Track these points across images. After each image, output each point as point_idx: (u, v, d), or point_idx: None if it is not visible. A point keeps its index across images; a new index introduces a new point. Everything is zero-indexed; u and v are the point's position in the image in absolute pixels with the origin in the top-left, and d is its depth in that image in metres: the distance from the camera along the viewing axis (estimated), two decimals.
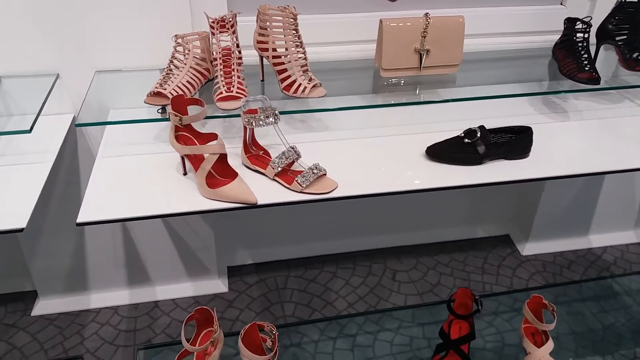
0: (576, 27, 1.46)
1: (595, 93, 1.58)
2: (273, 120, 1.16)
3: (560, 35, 1.52)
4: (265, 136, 1.32)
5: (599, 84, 1.37)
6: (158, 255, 1.80)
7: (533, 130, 1.31)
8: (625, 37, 1.43)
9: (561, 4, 1.61)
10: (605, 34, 1.43)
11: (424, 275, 1.98)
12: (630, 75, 1.53)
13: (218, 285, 1.89)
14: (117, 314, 1.80)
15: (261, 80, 1.39)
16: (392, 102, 1.40)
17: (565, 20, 1.47)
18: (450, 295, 1.60)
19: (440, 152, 1.27)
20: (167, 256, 1.80)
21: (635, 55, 1.43)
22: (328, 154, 1.30)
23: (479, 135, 1.26)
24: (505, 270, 2.00)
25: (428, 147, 1.28)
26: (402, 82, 1.45)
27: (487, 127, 1.31)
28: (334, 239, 2.04)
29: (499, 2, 1.58)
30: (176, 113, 1.07)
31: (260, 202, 1.12)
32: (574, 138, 1.39)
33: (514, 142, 1.28)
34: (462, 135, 1.28)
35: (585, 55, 1.42)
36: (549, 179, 1.26)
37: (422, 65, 1.39)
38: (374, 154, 1.31)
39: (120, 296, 1.84)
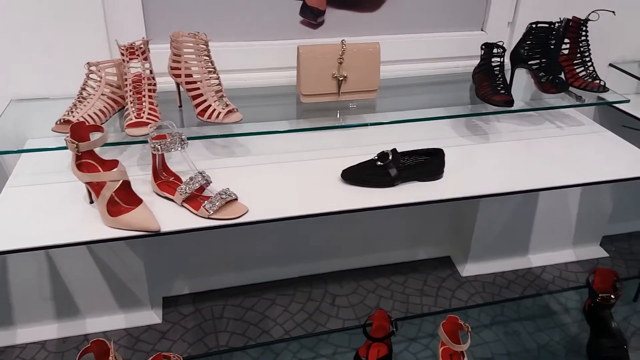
0: (493, 52, 1.51)
1: (516, 115, 1.63)
2: (180, 146, 1.16)
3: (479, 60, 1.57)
4: (182, 162, 1.31)
5: (512, 106, 1.40)
6: (86, 286, 1.75)
7: (453, 151, 1.34)
8: (537, 60, 1.47)
9: (482, 29, 1.66)
10: (518, 59, 1.48)
11: (364, 299, 1.96)
12: (553, 97, 1.58)
13: (151, 316, 1.84)
14: (44, 349, 1.73)
15: (179, 107, 1.39)
16: (313, 127, 1.41)
17: (482, 45, 1.52)
18: (367, 318, 1.59)
19: (354, 175, 1.28)
20: (96, 287, 1.75)
21: (548, 77, 1.48)
22: (247, 179, 1.30)
23: (390, 158, 1.27)
24: (444, 292, 2.00)
25: (343, 171, 1.29)
26: (322, 107, 1.46)
27: (405, 149, 1.34)
28: (274, 266, 2.02)
29: (422, 28, 1.62)
30: (73, 140, 1.05)
31: (165, 229, 1.10)
32: (491, 159, 1.42)
33: (426, 164, 1.29)
34: (376, 158, 1.30)
35: (501, 79, 1.46)
36: (458, 200, 1.27)
37: (340, 91, 1.42)
38: (292, 178, 1.31)
39: (47, 330, 1.77)
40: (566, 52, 1.58)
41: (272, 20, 1.50)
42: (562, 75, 1.54)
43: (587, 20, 1.50)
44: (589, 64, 1.53)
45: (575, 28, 1.52)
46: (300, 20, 1.52)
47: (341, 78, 1.39)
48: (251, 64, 1.53)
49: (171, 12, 1.43)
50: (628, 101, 1.50)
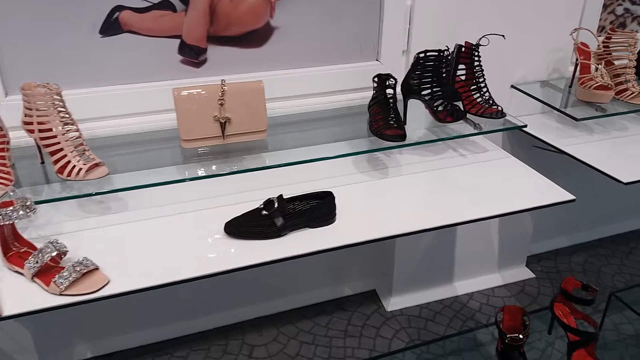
0: (386, 83, 1.45)
1: (420, 146, 1.57)
2: (24, 213, 1.02)
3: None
4: (47, 224, 1.18)
5: (404, 140, 1.34)
6: None
7: (353, 189, 1.26)
8: (428, 90, 1.42)
9: (377, 60, 1.60)
10: (409, 89, 1.42)
11: (284, 347, 1.84)
12: (458, 125, 1.53)
13: None
14: None
15: (41, 163, 1.24)
16: (194, 176, 1.30)
17: (374, 77, 1.46)
18: None
19: (238, 228, 1.17)
20: None
21: (444, 106, 1.43)
22: (117, 240, 1.16)
23: (276, 206, 1.17)
24: (369, 331, 1.91)
25: (227, 223, 1.18)
26: (208, 151, 1.35)
27: (296, 193, 1.25)
28: (185, 319, 1.87)
29: (315, 62, 1.55)
30: None
31: (8, 313, 0.96)
32: (393, 195, 1.34)
33: (315, 209, 1.20)
34: (261, 206, 1.20)
35: (393, 112, 1.40)
36: (350, 246, 1.19)
37: (225, 134, 1.32)
38: (172, 235, 1.19)
39: None
40: (464, 77, 1.55)
41: (149, 60, 1.39)
42: (460, 103, 1.51)
43: (478, 45, 1.47)
44: (484, 89, 1.49)
45: (467, 54, 1.49)
46: (180, 59, 1.42)
47: (223, 120, 1.30)
48: (129, 108, 1.40)
49: (32, 59, 1.30)
50: (525, 126, 1.46)
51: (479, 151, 1.57)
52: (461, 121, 1.48)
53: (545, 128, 1.72)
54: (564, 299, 1.36)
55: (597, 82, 1.56)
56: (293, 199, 1.22)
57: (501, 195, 1.35)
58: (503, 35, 1.49)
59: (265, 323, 1.93)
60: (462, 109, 1.49)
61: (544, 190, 1.37)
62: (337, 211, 1.24)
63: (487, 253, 2.11)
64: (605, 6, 1.80)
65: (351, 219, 1.25)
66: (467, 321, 1.96)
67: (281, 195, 1.19)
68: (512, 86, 1.75)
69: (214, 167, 1.32)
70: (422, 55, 1.39)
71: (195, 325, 1.89)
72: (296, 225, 1.18)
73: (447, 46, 1.38)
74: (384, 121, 1.38)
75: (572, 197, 1.31)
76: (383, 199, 1.34)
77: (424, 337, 1.88)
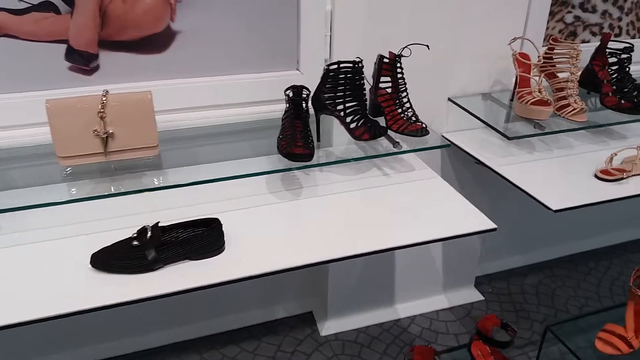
0: (300, 95, 1.32)
1: (342, 163, 1.44)
2: None
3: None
4: None
5: (311, 159, 1.21)
6: None
7: (257, 213, 1.14)
8: (341, 104, 1.29)
9: (297, 69, 1.48)
10: (320, 104, 1.29)
11: None
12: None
13: None
14: None
15: None
16: (71, 198, 1.16)
17: (285, 90, 1.33)
18: None
19: (104, 261, 1.04)
20: None
21: (360, 123, 1.30)
22: None
23: (148, 236, 1.05)
24: (298, 358, 1.78)
25: (93, 255, 1.04)
26: (89, 170, 1.20)
27: (178, 220, 1.12)
28: (96, 343, 1.73)
29: (226, 69, 1.42)
30: None
31: None
32: (301, 220, 1.21)
33: (198, 238, 1.07)
34: (134, 235, 1.07)
35: (302, 128, 1.27)
36: (232, 282, 1.06)
37: (107, 150, 1.18)
38: (30, 265, 1.05)
39: None
40: (390, 90, 1.43)
41: (32, 68, 1.25)
42: (384, 119, 1.38)
43: (399, 56, 1.34)
44: (407, 104, 1.37)
45: (390, 65, 1.36)
46: (68, 66, 1.29)
47: (104, 135, 1.16)
48: (9, 120, 1.26)
49: None
50: (448, 145, 1.34)
51: (405, 170, 1.44)
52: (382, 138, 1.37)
53: (484, 145, 1.60)
54: (480, 339, 1.23)
55: (534, 97, 1.43)
56: (173, 227, 1.09)
57: (419, 221, 1.22)
58: (427, 45, 1.37)
59: (188, 348, 1.80)
60: (384, 125, 1.37)
61: (465, 217, 1.24)
62: (232, 239, 1.11)
63: (431, 273, 1.98)
64: (552, 14, 1.67)
65: (245, 249, 1.11)
66: (405, 347, 1.83)
67: (157, 223, 1.06)
68: (449, 99, 1.63)
69: (91, 188, 1.19)
70: (333, 67, 1.26)
71: (107, 351, 1.76)
72: (174, 257, 1.05)
73: (359, 57, 1.25)
74: (291, 138, 1.25)
75: (493, 226, 1.19)
76: (289, 224, 1.20)
77: None
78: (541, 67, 1.56)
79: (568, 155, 1.55)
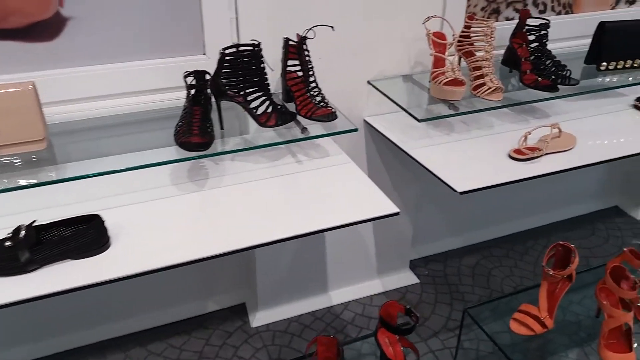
0: (202, 81, 1.26)
1: (256, 150, 1.40)
2: None
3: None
4: None
5: (207, 148, 1.16)
6: None
7: (158, 206, 1.09)
8: (244, 90, 1.24)
9: (204, 53, 1.41)
10: (218, 91, 1.23)
11: None
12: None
13: None
14: None
15: None
16: None
17: (184, 74, 1.26)
18: None
19: None
20: None
21: (268, 108, 1.25)
22: None
23: (22, 236, 0.98)
24: (226, 351, 1.74)
25: None
26: None
27: (59, 218, 1.05)
28: (16, 345, 1.66)
29: (126, 56, 1.33)
30: None
31: None
32: (203, 212, 1.17)
33: (77, 236, 1.01)
34: (8, 236, 1.00)
35: (200, 115, 1.21)
36: (115, 281, 1.02)
37: None
38: None
39: None
40: (301, 74, 1.38)
41: None
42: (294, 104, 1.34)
43: (304, 38, 1.29)
44: (315, 89, 1.32)
45: (296, 48, 1.31)
46: None
47: None
48: None
49: None
50: (356, 129, 1.30)
51: (319, 156, 1.40)
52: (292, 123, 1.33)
53: (404, 128, 1.56)
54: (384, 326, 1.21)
55: (447, 78, 1.40)
56: (51, 226, 1.03)
57: (326, 207, 1.19)
58: (332, 27, 1.32)
59: (112, 346, 1.74)
60: (293, 110, 1.33)
61: (371, 202, 1.21)
62: (122, 236, 1.06)
63: (364, 258, 1.96)
64: None
65: (134, 246, 1.06)
66: (338, 334, 1.82)
67: (32, 222, 1.00)
68: (369, 82, 1.59)
69: None
70: (230, 50, 1.21)
71: (25, 353, 1.69)
72: (52, 257, 0.99)
73: (255, 40, 1.20)
74: (187, 127, 1.19)
75: (395, 210, 1.16)
76: (191, 217, 1.15)
77: (285, 356, 1.73)
78: (458, 46, 1.53)
79: (487, 135, 1.52)
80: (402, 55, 1.62)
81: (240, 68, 1.22)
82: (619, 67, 1.65)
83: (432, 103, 1.52)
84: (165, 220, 1.14)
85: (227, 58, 1.20)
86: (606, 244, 2.31)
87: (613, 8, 1.89)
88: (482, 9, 1.69)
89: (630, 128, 1.58)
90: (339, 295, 1.95)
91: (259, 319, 1.85)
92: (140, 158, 1.21)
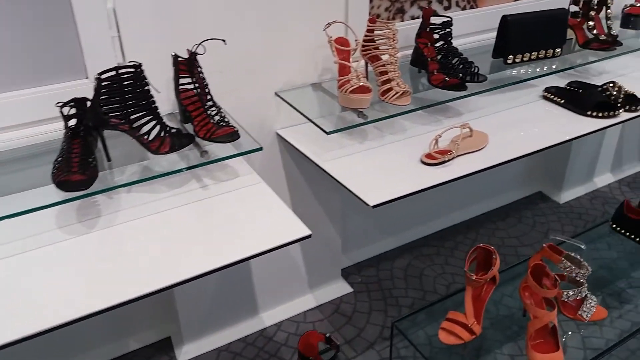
0: (79, 110, 1.14)
1: (160, 179, 1.28)
2: None
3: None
4: None
5: (89, 186, 1.04)
6: None
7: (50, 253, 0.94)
8: (128, 116, 1.12)
9: (87, 77, 1.28)
10: (99, 120, 1.10)
11: None
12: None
13: None
14: None
15: None
16: None
17: (57, 104, 1.13)
18: None
19: None
20: None
21: (154, 135, 1.14)
22: None
23: None
24: None
25: None
26: None
27: None
28: None
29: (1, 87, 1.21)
30: None
31: None
32: (92, 257, 1.03)
33: None
34: None
35: (79, 149, 1.09)
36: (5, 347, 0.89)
37: None
38: None
39: None
40: (198, 91, 1.28)
41: None
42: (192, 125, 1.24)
43: (194, 54, 1.20)
44: (212, 107, 1.23)
45: (187, 64, 1.21)
46: None
47: None
48: None
49: None
50: (260, 149, 1.22)
51: (228, 178, 1.31)
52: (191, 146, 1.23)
53: (317, 138, 1.48)
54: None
55: (352, 85, 1.35)
56: None
57: (234, 236, 1.10)
58: (224, 40, 1.23)
59: None
60: (192, 132, 1.23)
61: (282, 226, 1.13)
62: None
63: (293, 273, 1.88)
64: None
65: (12, 305, 0.93)
66: (270, 358, 1.74)
67: None
68: (276, 94, 1.51)
69: None
70: (109, 74, 1.09)
71: None
72: None
73: (135, 61, 1.09)
74: (65, 163, 1.06)
75: (307, 232, 1.09)
76: (70, 268, 1.02)
77: None
78: (363, 51, 1.48)
79: (400, 140, 1.48)
80: (308, 64, 1.55)
81: (122, 92, 1.10)
82: (525, 59, 1.66)
83: (343, 111, 1.47)
84: (53, 270, 1.01)
85: (104, 83, 1.08)
86: (533, 231, 2.35)
87: (516, 0, 1.91)
88: (387, 9, 1.64)
89: (540, 119, 1.59)
90: (270, 316, 1.87)
91: (186, 352, 1.73)
92: (17, 201, 1.07)
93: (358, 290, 2.01)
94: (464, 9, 1.81)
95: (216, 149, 1.28)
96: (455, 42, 1.69)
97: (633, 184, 2.68)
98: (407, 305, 1.94)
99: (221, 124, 1.22)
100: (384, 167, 1.36)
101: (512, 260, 2.18)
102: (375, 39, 1.46)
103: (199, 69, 1.21)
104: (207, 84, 1.23)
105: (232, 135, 1.20)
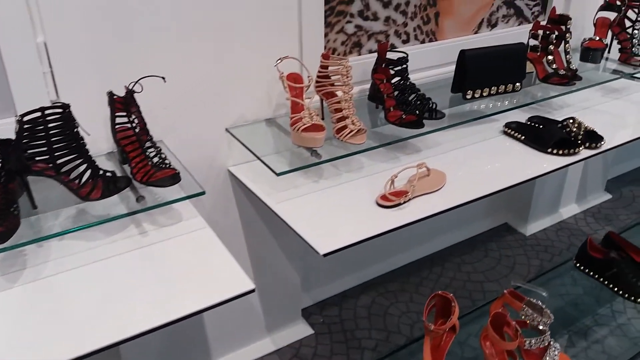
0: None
1: (92, 230, 1.19)
2: None
3: None
4: None
5: (9, 237, 0.93)
6: None
7: None
8: (52, 161, 1.02)
9: (16, 116, 1.18)
10: (22, 165, 1.01)
11: None
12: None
13: None
14: None
15: None
16: None
17: None
18: None
19: None
20: None
21: (84, 179, 1.06)
22: None
23: None
24: None
25: None
26: None
27: None
28: None
29: None
30: None
31: None
32: (24, 312, 0.95)
33: None
34: None
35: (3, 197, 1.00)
36: None
37: None
38: None
39: None
40: (137, 131, 1.20)
41: None
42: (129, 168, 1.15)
43: (131, 92, 1.12)
44: (151, 148, 1.15)
45: (122, 103, 1.14)
46: None
47: None
48: None
49: None
50: (203, 193, 1.14)
51: (170, 223, 1.21)
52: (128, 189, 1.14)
53: (270, 177, 1.38)
54: None
55: (304, 124, 1.29)
56: None
57: (172, 291, 1.01)
58: (163, 78, 1.16)
59: None
60: (130, 174, 1.14)
61: (225, 279, 1.04)
62: None
63: (249, 316, 1.78)
64: (331, 25, 1.55)
65: None
66: None
67: None
68: (227, 130, 1.44)
69: None
70: (32, 116, 1.01)
71: None
72: None
73: (60, 102, 1.01)
74: None
75: (251, 287, 1.01)
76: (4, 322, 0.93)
77: None
78: (318, 87, 1.42)
79: (357, 179, 1.42)
80: (262, 98, 1.49)
81: (48, 135, 1.01)
82: (484, 94, 1.63)
83: (299, 147, 1.40)
84: None
85: (27, 126, 0.99)
86: (499, 265, 2.31)
87: (476, 33, 1.89)
88: (343, 42, 1.60)
89: (500, 156, 1.55)
90: None
91: None
92: None
93: (319, 331, 1.92)
94: (422, 42, 1.78)
95: (161, 191, 1.20)
96: (414, 76, 1.66)
97: (598, 214, 2.68)
98: (370, 347, 1.86)
99: (161, 165, 1.14)
100: (339, 209, 1.29)
101: (478, 296, 2.13)
102: (330, 74, 1.41)
103: (137, 107, 1.14)
104: (146, 123, 1.15)
105: (172, 178, 1.12)
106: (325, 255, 1.09)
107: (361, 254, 2.11)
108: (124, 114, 1.14)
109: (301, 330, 1.90)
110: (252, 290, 1.01)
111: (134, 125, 1.13)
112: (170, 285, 1.03)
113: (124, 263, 1.09)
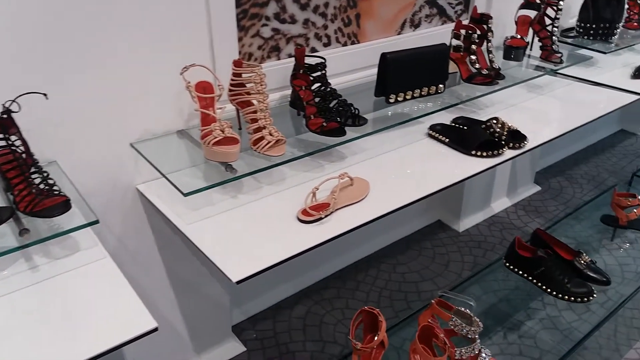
0: None
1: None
2: None
3: None
4: None
5: None
6: None
7: None
8: None
9: None
10: None
11: None
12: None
13: None
14: None
15: None
16: None
17: None
18: None
19: None
20: None
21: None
22: None
23: None
24: None
25: None
26: None
27: None
28: None
29: None
30: None
31: None
32: None
33: None
34: None
35: None
36: None
37: None
38: None
39: None
40: (23, 155, 1.07)
41: None
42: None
43: (8, 111, 0.99)
44: (36, 173, 1.02)
45: (4, 122, 1.01)
46: None
47: None
48: None
49: None
50: (96, 222, 1.03)
51: (66, 254, 1.09)
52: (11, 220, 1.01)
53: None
54: None
55: (215, 137, 1.19)
56: None
57: (65, 333, 0.90)
58: (45, 94, 1.04)
59: None
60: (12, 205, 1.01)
61: (125, 316, 0.94)
62: None
63: (174, 339, 1.67)
64: (245, 29, 1.45)
65: None
66: None
67: None
68: (132, 145, 1.32)
69: None
70: None
71: None
72: None
73: None
74: None
75: (153, 326, 0.91)
76: None
77: None
78: (232, 96, 1.33)
79: (279, 192, 1.34)
80: (172, 109, 1.37)
81: None
82: (407, 97, 1.59)
83: (212, 162, 1.30)
84: None
85: None
86: (433, 264, 2.30)
87: (399, 33, 1.85)
88: (260, 47, 1.51)
89: (426, 160, 1.51)
90: None
91: None
92: None
93: (252, 348, 1.83)
94: (344, 45, 1.72)
95: (56, 219, 1.07)
96: (337, 80, 1.60)
97: (528, 207, 2.74)
98: (305, 359, 1.80)
99: (49, 192, 1.02)
100: (258, 227, 1.20)
101: (413, 297, 2.11)
102: (245, 82, 1.32)
103: (17, 128, 1.01)
104: (28, 146, 1.02)
105: (61, 206, 1.00)
106: (238, 282, 1.01)
107: (294, 262, 2.01)
108: (2, 136, 1.00)
109: (232, 348, 1.81)
110: (155, 329, 0.91)
111: (13, 148, 1.00)
112: (61, 326, 0.91)
113: (12, 304, 0.96)
